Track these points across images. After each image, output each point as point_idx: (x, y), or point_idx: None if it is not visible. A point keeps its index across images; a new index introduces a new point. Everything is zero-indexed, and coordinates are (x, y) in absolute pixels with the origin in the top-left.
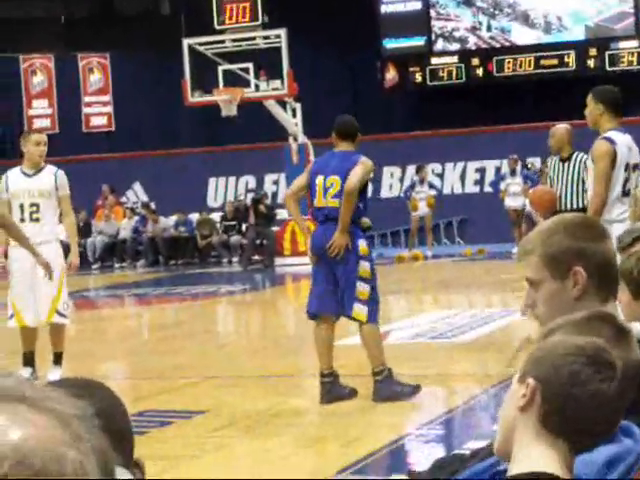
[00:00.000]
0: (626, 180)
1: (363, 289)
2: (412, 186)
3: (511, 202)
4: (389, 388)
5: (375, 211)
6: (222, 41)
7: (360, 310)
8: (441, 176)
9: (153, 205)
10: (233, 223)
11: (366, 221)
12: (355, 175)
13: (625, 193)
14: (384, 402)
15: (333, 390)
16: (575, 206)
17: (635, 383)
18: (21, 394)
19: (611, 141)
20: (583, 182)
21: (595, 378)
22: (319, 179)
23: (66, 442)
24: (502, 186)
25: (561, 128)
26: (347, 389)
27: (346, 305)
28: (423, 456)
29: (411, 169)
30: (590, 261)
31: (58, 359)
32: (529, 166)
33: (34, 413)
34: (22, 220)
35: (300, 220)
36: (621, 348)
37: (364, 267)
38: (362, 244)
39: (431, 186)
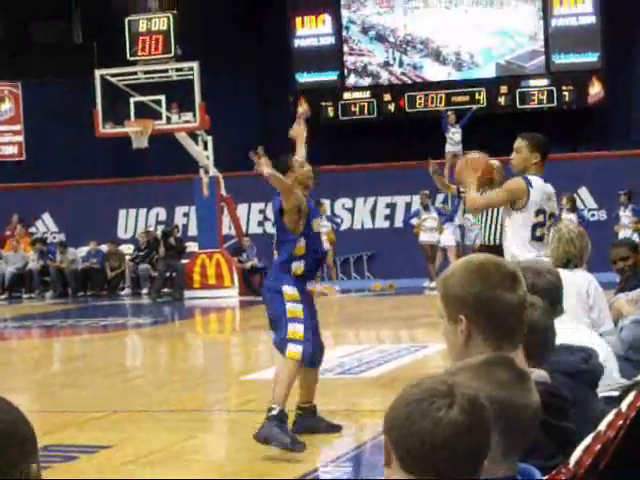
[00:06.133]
0: (539, 225)
1: (295, 329)
2: None
3: (426, 237)
4: (270, 430)
5: None
6: (134, 72)
7: (295, 350)
8: (351, 211)
9: (63, 236)
10: (143, 254)
11: (298, 267)
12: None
13: (536, 238)
14: (259, 442)
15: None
16: (492, 243)
17: (535, 424)
18: None
19: (528, 182)
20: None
21: (431, 409)
22: None
23: None
24: (415, 221)
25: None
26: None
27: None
28: None
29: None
30: (478, 310)
31: None
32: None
33: None
34: None
35: None
36: (519, 391)
37: (292, 309)
38: (287, 290)
39: (330, 220)
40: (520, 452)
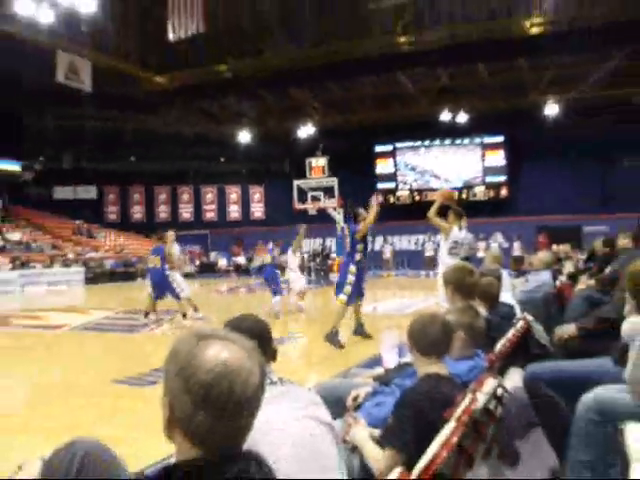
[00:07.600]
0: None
1: (347, 288)
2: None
3: (427, 253)
4: (332, 338)
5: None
6: (310, 181)
7: (344, 298)
8: (399, 240)
9: None
10: None
11: (360, 256)
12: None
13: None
14: (325, 341)
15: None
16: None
17: (483, 338)
18: (224, 335)
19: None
20: None
21: (427, 323)
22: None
23: (250, 362)
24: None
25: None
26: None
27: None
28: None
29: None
30: (454, 285)
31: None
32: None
33: (233, 345)
34: None
35: None
36: (476, 318)
37: (350, 278)
38: (352, 268)
39: (391, 245)
40: (477, 346)
